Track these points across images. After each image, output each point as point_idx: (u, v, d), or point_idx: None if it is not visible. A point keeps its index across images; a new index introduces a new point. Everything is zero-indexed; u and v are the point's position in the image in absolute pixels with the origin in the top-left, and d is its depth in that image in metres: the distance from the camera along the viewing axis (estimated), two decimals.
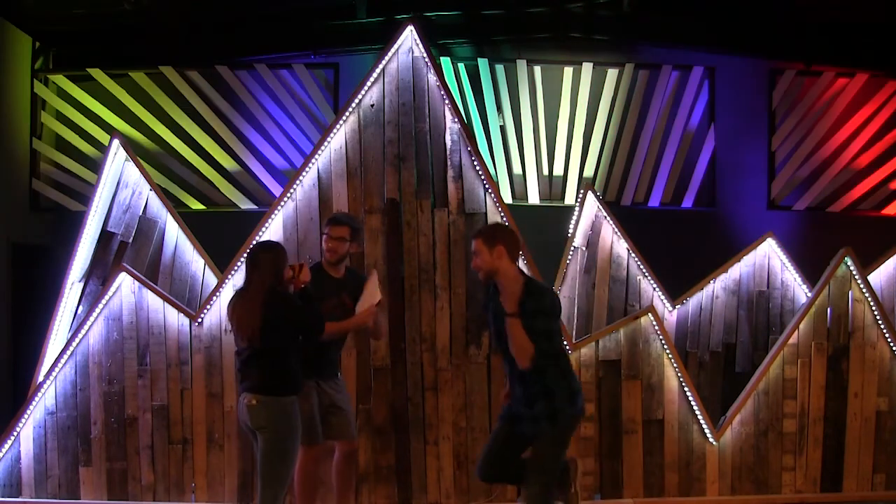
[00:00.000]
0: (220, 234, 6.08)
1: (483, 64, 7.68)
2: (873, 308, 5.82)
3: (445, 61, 7.58)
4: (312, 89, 7.71)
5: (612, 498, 5.63)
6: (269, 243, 4.39)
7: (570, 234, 6.14)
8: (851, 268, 5.84)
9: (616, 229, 6.12)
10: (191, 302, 5.71)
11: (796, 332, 5.79)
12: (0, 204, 7.14)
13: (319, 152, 5.63)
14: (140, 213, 5.80)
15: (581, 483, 5.53)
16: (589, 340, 5.65)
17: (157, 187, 5.86)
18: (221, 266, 5.67)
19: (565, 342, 4.29)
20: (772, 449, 5.72)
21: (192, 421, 5.49)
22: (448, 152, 5.66)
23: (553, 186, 7.79)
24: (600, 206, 6.13)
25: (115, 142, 5.81)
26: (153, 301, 5.52)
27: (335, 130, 5.64)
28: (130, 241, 5.76)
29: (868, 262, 6.09)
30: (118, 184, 5.84)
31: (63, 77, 7.70)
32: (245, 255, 5.47)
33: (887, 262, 6.24)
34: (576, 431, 4.26)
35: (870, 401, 5.79)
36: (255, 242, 4.93)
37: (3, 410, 6.26)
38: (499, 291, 3.96)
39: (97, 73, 7.61)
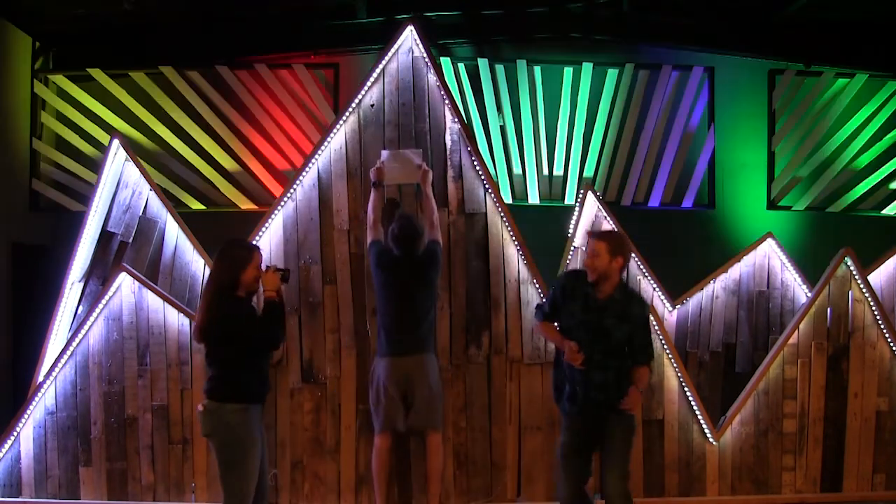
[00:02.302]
0: (220, 234, 6.05)
1: (483, 64, 7.68)
2: (873, 308, 5.82)
3: (445, 61, 7.57)
4: (312, 89, 7.70)
5: None
6: (238, 242, 4.17)
7: (570, 234, 6.13)
8: (851, 268, 5.84)
9: (616, 229, 6.10)
10: (191, 302, 5.70)
11: (796, 332, 5.79)
12: (0, 204, 7.15)
13: (319, 152, 5.63)
14: (140, 213, 5.80)
15: None
16: None
17: (157, 187, 5.85)
18: None
19: None
20: (772, 449, 5.72)
21: (192, 421, 5.48)
22: (448, 152, 5.65)
23: (553, 186, 7.79)
24: (600, 206, 6.12)
25: (115, 142, 5.81)
26: (153, 301, 5.52)
27: (335, 130, 5.64)
28: (130, 241, 5.76)
29: (868, 262, 6.09)
30: (118, 184, 5.83)
31: (63, 77, 7.71)
32: None
33: (887, 262, 6.23)
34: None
35: (870, 401, 5.79)
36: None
37: (3, 410, 6.26)
38: (595, 289, 4.29)
39: (97, 73, 7.62)
